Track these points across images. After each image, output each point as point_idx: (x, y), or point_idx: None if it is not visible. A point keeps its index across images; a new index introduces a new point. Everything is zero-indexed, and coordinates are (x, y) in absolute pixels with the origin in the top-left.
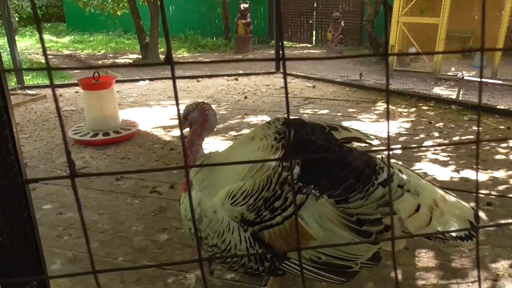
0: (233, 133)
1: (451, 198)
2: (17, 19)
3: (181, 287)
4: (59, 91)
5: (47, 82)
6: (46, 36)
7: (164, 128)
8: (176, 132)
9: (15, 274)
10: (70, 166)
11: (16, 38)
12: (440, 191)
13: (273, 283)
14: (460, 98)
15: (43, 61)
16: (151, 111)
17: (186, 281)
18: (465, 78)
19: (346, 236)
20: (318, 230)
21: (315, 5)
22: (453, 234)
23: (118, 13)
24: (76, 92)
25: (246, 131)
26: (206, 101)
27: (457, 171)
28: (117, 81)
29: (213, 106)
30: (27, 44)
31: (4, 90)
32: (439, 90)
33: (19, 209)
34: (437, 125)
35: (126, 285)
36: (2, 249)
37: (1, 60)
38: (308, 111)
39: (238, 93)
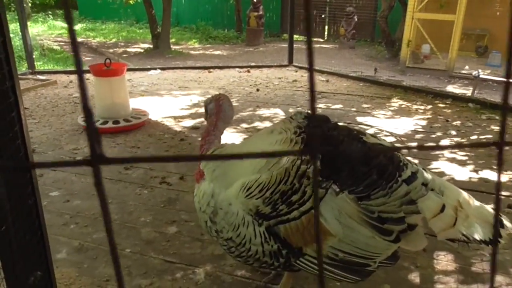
0: (244, 125)
1: (474, 201)
2: (30, 4)
3: (189, 282)
4: (69, 77)
5: (57, 67)
6: (58, 23)
7: (175, 118)
8: (187, 123)
9: (19, 263)
10: (93, 151)
11: (29, 24)
12: (464, 193)
13: (287, 282)
14: (475, 97)
15: (54, 47)
16: (161, 100)
17: (195, 276)
18: (480, 76)
19: (367, 233)
20: (337, 227)
21: None
22: (478, 237)
23: (131, 1)
24: (87, 79)
25: (258, 123)
26: (224, 94)
27: (475, 171)
28: (128, 70)
29: None
30: (39, 30)
31: (12, 70)
32: (453, 88)
33: (24, 195)
34: (454, 123)
35: (133, 277)
36: (6, 237)
37: (10, 40)
38: (321, 105)
39: (250, 85)
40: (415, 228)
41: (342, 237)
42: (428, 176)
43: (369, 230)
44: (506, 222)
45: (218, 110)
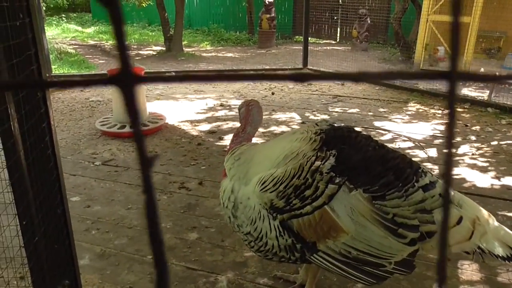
0: (261, 129)
1: (495, 221)
2: (44, 8)
3: None
4: None
5: (72, 71)
6: (72, 26)
7: (191, 122)
8: (203, 127)
9: (49, 272)
10: (124, 67)
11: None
12: (485, 212)
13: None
14: (492, 100)
15: (69, 50)
16: (177, 104)
17: (218, 284)
18: None
19: (380, 233)
20: (349, 224)
21: (341, 1)
22: (496, 252)
23: (143, 4)
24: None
25: (274, 128)
26: (255, 100)
27: (497, 178)
28: (144, 73)
29: (239, 101)
30: (54, 33)
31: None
32: (468, 91)
33: (54, 206)
34: (473, 128)
35: None
36: (38, 247)
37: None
38: (337, 109)
39: (265, 89)
40: (433, 235)
41: (355, 235)
42: None
43: (382, 230)
44: None
45: (247, 115)
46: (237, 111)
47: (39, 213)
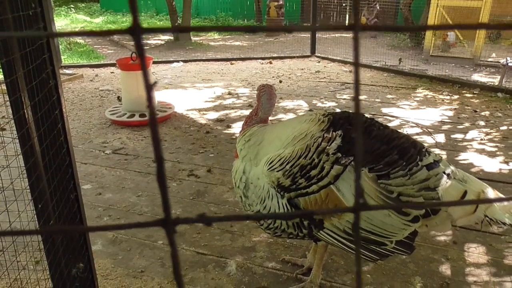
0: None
1: (501, 196)
2: None
3: (221, 274)
4: (94, 71)
5: (82, 61)
6: (80, 16)
7: (199, 110)
8: (211, 115)
9: (64, 256)
10: (167, 214)
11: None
12: (490, 188)
13: (317, 274)
14: (502, 85)
15: (78, 40)
16: (185, 93)
17: (227, 268)
18: (509, 64)
19: (383, 211)
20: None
21: None
22: (505, 220)
23: None
24: (112, 72)
25: (281, 115)
26: (269, 85)
27: (506, 162)
28: (152, 62)
29: (247, 89)
30: (62, 24)
31: (55, 69)
32: (478, 77)
33: (67, 190)
34: (482, 113)
35: (166, 269)
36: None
37: (53, 41)
38: (345, 96)
39: (273, 77)
40: (438, 212)
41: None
42: (451, 167)
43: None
44: None
45: (258, 100)
46: (245, 99)
47: (53, 198)
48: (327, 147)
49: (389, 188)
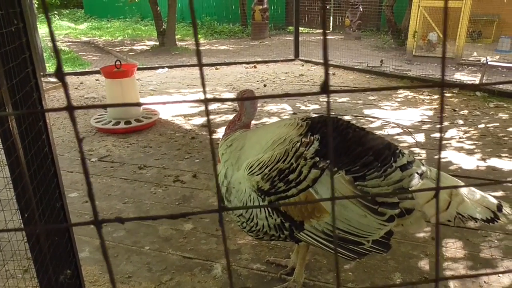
0: (253, 121)
1: (476, 192)
2: (36, 5)
3: (207, 277)
4: (79, 78)
5: (66, 68)
6: (64, 23)
7: (185, 116)
8: (197, 121)
9: (51, 263)
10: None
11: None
12: (462, 184)
13: (299, 273)
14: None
15: (62, 47)
16: (171, 99)
17: (213, 271)
18: (489, 63)
19: (359, 212)
20: (331, 205)
21: None
22: (476, 215)
23: None
24: (97, 80)
25: (266, 119)
26: (250, 90)
27: (483, 159)
28: (137, 69)
29: (232, 94)
30: (47, 31)
31: (38, 81)
32: (461, 76)
33: (53, 199)
34: (461, 112)
35: (153, 273)
36: (38, 239)
37: (36, 54)
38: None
39: (257, 81)
40: (412, 212)
41: (336, 215)
42: (423, 167)
43: (362, 209)
44: (506, 209)
45: (241, 105)
46: (230, 104)
47: (39, 207)
48: (305, 151)
49: (365, 190)
